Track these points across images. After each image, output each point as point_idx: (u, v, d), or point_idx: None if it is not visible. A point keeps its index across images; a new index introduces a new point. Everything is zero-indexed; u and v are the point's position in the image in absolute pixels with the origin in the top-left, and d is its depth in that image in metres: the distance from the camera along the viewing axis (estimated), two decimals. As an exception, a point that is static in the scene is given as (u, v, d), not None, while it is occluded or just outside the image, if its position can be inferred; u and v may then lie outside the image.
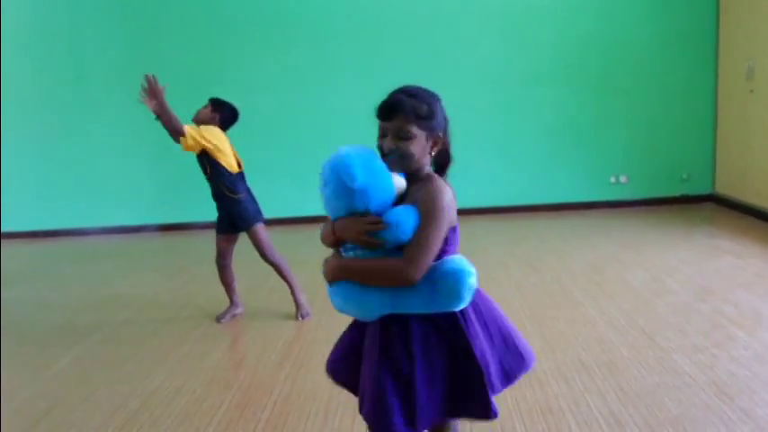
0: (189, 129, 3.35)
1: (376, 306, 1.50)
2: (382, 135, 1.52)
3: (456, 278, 1.46)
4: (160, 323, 3.76)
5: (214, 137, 3.46)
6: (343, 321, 3.21)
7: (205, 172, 3.58)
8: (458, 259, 1.51)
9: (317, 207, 6.16)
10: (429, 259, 1.44)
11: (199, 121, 3.55)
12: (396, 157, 1.49)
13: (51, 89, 6.34)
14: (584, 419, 2.37)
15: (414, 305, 1.48)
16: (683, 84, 6.17)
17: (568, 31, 6.10)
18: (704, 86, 6.18)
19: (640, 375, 2.70)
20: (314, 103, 6.20)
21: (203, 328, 3.64)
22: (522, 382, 2.65)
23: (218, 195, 3.60)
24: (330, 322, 3.56)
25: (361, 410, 1.61)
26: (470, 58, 6.14)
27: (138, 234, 6.47)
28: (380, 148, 1.52)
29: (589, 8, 6.09)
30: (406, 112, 1.47)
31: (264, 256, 3.63)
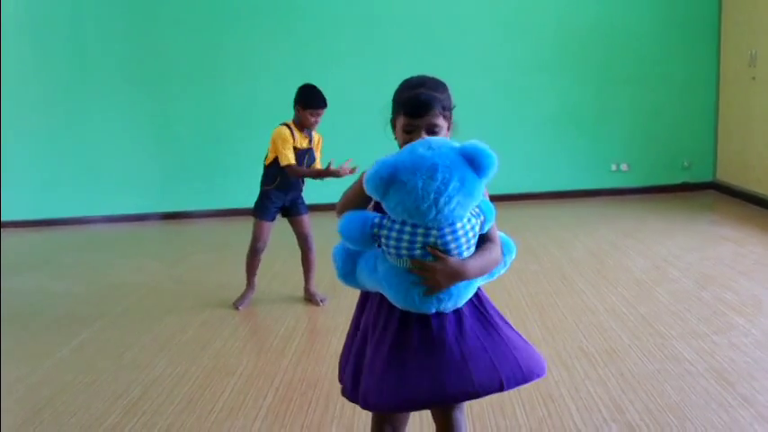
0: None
1: (474, 288, 1.57)
2: (410, 131, 1.55)
3: (510, 249, 1.67)
4: (162, 311, 3.77)
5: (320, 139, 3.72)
6: (342, 308, 3.23)
7: (310, 165, 3.60)
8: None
9: (316, 195, 6.19)
10: None
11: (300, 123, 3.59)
12: None
13: (54, 79, 6.32)
14: (585, 405, 2.38)
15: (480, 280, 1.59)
16: (685, 71, 6.15)
17: (570, 18, 6.07)
18: (706, 74, 6.15)
19: (641, 362, 2.71)
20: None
21: (205, 315, 3.65)
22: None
23: (295, 186, 3.65)
24: (331, 310, 3.58)
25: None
26: (471, 46, 6.11)
27: (141, 223, 6.47)
28: (408, 142, 1.52)
29: (591, -5, 6.06)
30: (436, 107, 1.54)
31: (309, 241, 3.71)
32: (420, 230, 1.39)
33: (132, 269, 4.80)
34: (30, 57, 6.31)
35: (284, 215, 3.73)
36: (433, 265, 1.41)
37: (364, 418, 2.35)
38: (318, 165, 3.65)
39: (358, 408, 2.41)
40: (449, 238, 1.41)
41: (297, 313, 3.59)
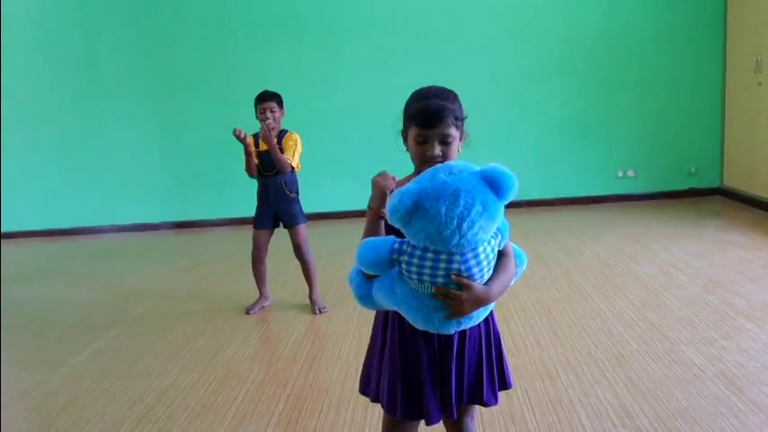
0: (294, 161, 3.62)
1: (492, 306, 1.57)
2: (422, 141, 1.53)
3: (522, 260, 1.62)
4: (175, 318, 3.81)
5: (300, 144, 3.67)
6: (352, 315, 3.25)
7: (269, 169, 3.64)
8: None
9: (326, 204, 6.22)
10: None
11: (279, 127, 3.64)
12: (441, 162, 1.52)
13: (66, 89, 6.40)
14: (594, 411, 2.40)
15: None
16: (691, 77, 6.16)
17: (576, 25, 6.10)
18: (712, 80, 6.16)
19: (650, 367, 2.72)
20: (324, 101, 6.22)
21: (217, 323, 3.69)
22: (532, 374, 2.72)
23: (275, 192, 3.68)
24: (341, 317, 3.61)
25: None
26: (478, 53, 6.15)
27: (153, 231, 6.52)
28: (421, 155, 1.53)
29: (596, 3, 6.08)
30: (448, 117, 1.52)
31: (301, 253, 3.74)
32: (443, 257, 1.38)
33: (145, 277, 4.85)
34: (42, 67, 6.39)
35: (284, 226, 3.79)
36: (459, 295, 1.39)
37: (376, 422, 2.38)
38: (291, 160, 3.62)
39: (369, 412, 2.46)
40: (472, 263, 1.39)
41: (307, 320, 3.62)
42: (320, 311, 3.71)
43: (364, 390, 1.75)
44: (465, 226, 1.33)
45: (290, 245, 3.77)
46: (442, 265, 1.38)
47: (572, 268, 4.21)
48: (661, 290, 3.68)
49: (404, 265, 1.42)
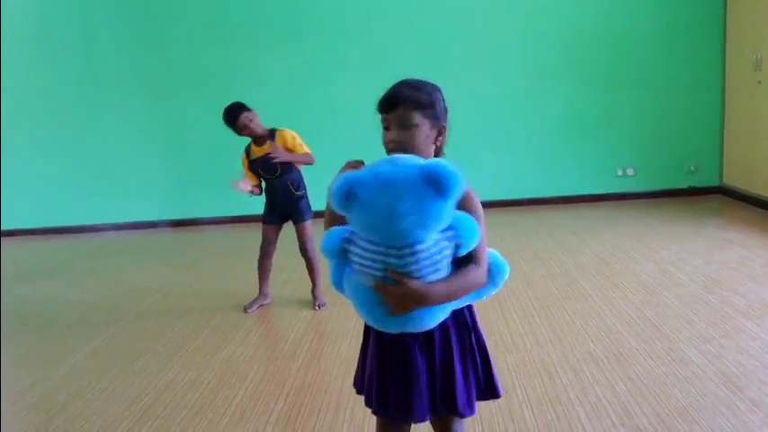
0: (308, 150, 3.69)
1: (446, 312, 1.49)
2: (386, 127, 1.51)
3: (501, 269, 1.53)
4: (174, 317, 3.81)
5: (297, 135, 3.70)
6: (351, 313, 3.25)
7: (272, 172, 3.66)
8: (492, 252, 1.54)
9: (324, 202, 6.11)
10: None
11: (260, 133, 3.66)
12: (400, 149, 1.48)
13: (65, 87, 6.39)
14: (593, 409, 2.40)
15: (466, 300, 1.52)
16: (691, 76, 6.15)
17: (576, 24, 6.09)
18: (711, 78, 6.15)
19: (648, 366, 2.72)
20: (322, 100, 6.21)
21: (216, 321, 3.69)
22: (531, 372, 2.73)
23: (282, 193, 3.71)
24: (341, 316, 3.61)
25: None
26: (478, 52, 6.14)
27: (151, 230, 6.52)
28: (386, 140, 1.52)
29: (596, 1, 6.08)
30: (407, 101, 1.48)
31: (305, 248, 3.76)
32: (381, 248, 1.35)
33: (144, 276, 4.85)
34: (42, 66, 6.37)
35: (293, 222, 3.80)
36: (391, 289, 1.35)
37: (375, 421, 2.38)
38: (308, 150, 3.69)
39: (369, 411, 2.45)
40: (409, 259, 1.34)
41: (307, 318, 3.63)
42: (319, 307, 3.73)
43: (356, 385, 1.75)
44: (393, 218, 1.30)
45: (292, 243, 3.77)
46: (380, 257, 1.36)
47: (571, 267, 4.21)
48: (660, 288, 3.68)
49: (352, 255, 1.41)
